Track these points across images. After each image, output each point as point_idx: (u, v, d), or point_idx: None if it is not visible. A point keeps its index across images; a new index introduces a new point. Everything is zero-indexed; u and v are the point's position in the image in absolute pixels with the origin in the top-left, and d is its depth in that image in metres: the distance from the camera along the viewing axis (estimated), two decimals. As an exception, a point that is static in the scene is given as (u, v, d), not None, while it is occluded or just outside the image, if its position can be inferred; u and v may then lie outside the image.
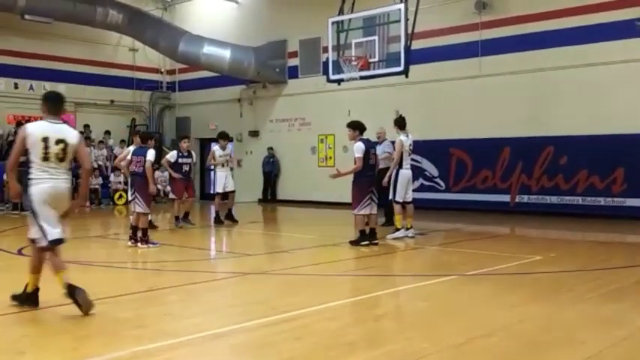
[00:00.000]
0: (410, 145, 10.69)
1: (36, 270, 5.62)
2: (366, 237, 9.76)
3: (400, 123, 10.73)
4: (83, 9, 18.86)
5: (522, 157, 15.33)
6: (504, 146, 15.61)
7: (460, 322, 5.31)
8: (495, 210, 15.45)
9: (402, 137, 10.56)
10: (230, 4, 21.53)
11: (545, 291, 6.59)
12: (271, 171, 20.53)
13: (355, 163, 9.65)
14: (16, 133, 18.20)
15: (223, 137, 13.46)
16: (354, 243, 9.79)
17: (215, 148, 13.44)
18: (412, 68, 12.74)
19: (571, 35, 14.73)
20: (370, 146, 9.87)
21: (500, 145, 15.64)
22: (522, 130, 15.29)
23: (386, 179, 10.60)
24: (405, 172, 10.63)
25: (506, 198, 15.59)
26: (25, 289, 5.70)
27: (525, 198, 15.35)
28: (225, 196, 13.38)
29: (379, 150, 11.15)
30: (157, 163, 12.88)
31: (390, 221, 11.70)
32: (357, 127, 9.93)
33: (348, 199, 10.13)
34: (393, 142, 11.11)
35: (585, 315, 5.58)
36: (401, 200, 10.59)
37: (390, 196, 10.66)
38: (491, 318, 5.46)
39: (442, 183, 16.67)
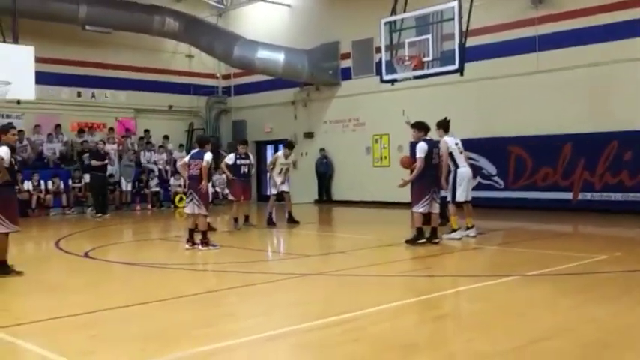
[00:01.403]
0: (457, 144, 10.51)
1: None
2: (423, 235, 9.71)
3: (444, 125, 10.55)
4: (141, 18, 19.41)
5: (584, 153, 14.88)
6: (565, 143, 15.20)
7: (522, 324, 5.21)
8: (557, 208, 15.06)
9: (447, 138, 10.45)
10: (282, 8, 21.73)
11: (611, 291, 6.39)
12: (325, 172, 20.62)
13: (418, 163, 9.75)
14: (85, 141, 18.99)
15: (289, 147, 13.56)
16: (411, 241, 9.75)
17: (279, 154, 13.55)
18: (467, 66, 12.54)
19: (630, 27, 14.22)
20: (433, 146, 9.95)
21: (560, 142, 15.23)
22: (583, 125, 14.86)
23: (443, 182, 10.43)
24: (463, 171, 10.49)
25: (568, 195, 15.17)
26: None
27: (588, 195, 14.89)
28: (281, 197, 13.50)
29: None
30: (215, 166, 13.13)
31: (446, 219, 11.59)
32: (422, 128, 10.04)
33: (404, 198, 10.09)
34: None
35: (654, 316, 5.39)
36: (462, 200, 10.47)
37: (449, 198, 10.52)
38: (554, 319, 5.33)
39: (500, 181, 16.35)
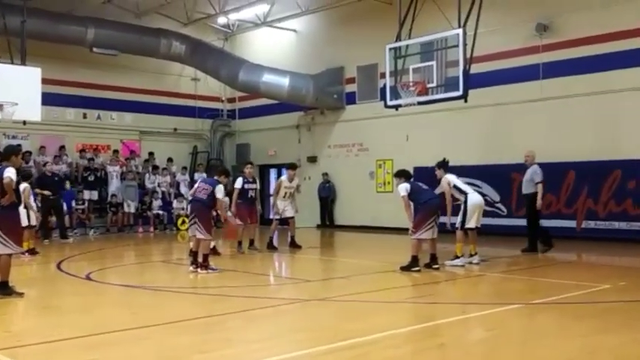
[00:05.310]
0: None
1: None
2: (417, 264, 9.71)
3: (444, 165, 10.78)
4: (148, 41, 19.60)
5: (588, 181, 14.86)
6: (568, 170, 15.19)
7: (526, 353, 5.17)
8: (560, 236, 14.91)
9: (448, 175, 10.59)
10: (289, 33, 21.92)
11: (616, 321, 6.33)
12: (327, 196, 20.62)
13: (403, 202, 9.91)
14: (91, 159, 19.00)
15: (292, 167, 13.56)
16: (405, 268, 9.72)
17: (283, 178, 13.54)
18: (472, 92, 12.61)
19: (635, 56, 14.31)
20: (415, 182, 10.17)
21: (564, 170, 15.21)
22: (587, 153, 14.85)
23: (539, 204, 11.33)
24: (475, 199, 10.52)
25: (571, 224, 15.11)
26: None
27: (592, 224, 14.84)
28: (284, 221, 13.48)
29: (527, 174, 11.75)
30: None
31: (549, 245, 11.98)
32: (400, 175, 10.31)
33: (407, 224, 10.09)
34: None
35: (660, 347, 5.33)
36: (473, 227, 10.49)
37: (457, 224, 10.50)
38: (558, 349, 5.28)
39: (504, 208, 16.31)
